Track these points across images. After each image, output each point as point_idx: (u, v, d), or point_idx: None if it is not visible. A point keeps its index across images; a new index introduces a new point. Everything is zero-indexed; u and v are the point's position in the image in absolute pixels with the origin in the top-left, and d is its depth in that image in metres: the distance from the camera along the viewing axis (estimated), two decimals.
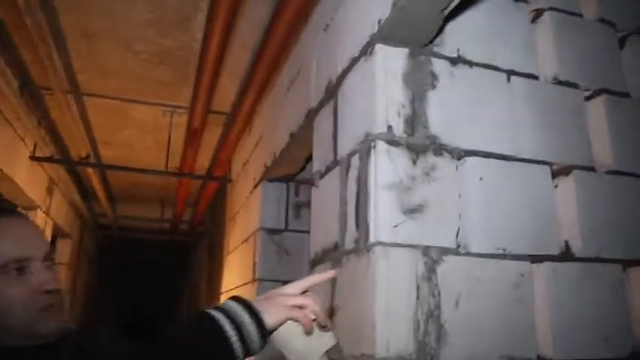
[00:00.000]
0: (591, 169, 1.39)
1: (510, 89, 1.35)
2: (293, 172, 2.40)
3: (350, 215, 1.27)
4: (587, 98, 1.47)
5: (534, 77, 1.40)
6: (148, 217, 6.64)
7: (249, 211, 2.94)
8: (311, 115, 1.73)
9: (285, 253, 2.48)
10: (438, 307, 1.13)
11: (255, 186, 2.77)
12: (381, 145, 1.16)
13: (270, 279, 2.43)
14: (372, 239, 1.13)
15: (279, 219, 2.54)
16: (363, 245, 1.17)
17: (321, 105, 1.63)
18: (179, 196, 4.83)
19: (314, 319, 0.79)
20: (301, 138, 1.88)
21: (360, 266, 1.18)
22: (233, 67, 2.69)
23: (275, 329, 0.78)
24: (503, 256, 1.21)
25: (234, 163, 3.79)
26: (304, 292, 0.83)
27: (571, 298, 1.25)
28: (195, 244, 7.56)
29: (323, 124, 1.60)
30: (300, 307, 0.79)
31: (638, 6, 1.68)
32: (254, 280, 2.56)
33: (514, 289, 1.20)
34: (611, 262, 1.34)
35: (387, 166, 1.15)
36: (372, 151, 1.18)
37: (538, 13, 1.49)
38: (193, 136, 3.18)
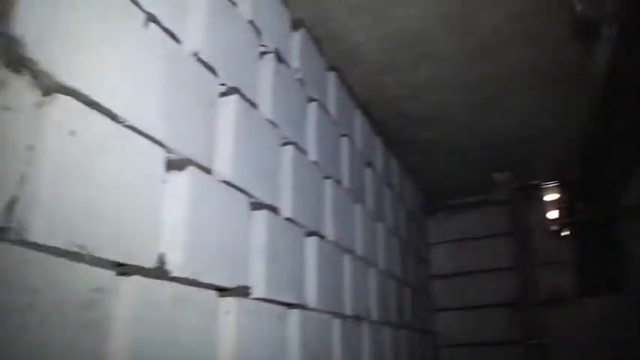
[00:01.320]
0: (209, 171, 1.16)
1: (146, 37, 1.00)
2: None
3: None
4: (222, 94, 1.26)
5: (177, 40, 1.10)
6: None
7: None
8: None
9: None
10: None
11: None
12: None
13: None
14: None
15: None
16: None
17: None
18: None
19: None
20: None
21: None
22: None
23: None
24: (79, 257, 0.79)
25: None
26: None
27: (158, 327, 0.92)
28: None
29: None
30: None
31: (280, 28, 1.64)
32: None
33: (84, 311, 0.79)
34: (208, 289, 1.09)
35: None
36: None
37: None
38: None
